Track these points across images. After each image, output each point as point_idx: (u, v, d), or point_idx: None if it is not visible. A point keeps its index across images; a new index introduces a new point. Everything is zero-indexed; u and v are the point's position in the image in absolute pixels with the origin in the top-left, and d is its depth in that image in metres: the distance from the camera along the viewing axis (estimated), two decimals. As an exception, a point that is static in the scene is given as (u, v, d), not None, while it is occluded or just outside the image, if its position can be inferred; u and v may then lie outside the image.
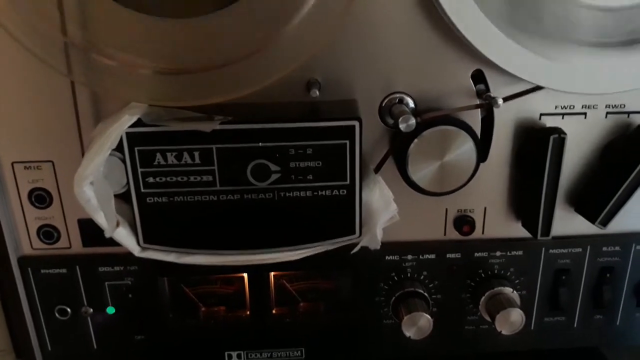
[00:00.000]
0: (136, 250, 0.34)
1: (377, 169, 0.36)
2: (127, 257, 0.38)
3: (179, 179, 0.32)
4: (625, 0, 0.32)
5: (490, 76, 0.35)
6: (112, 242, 0.37)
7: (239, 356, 0.42)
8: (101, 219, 0.32)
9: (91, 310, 0.40)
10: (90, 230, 0.38)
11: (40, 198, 0.37)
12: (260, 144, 0.32)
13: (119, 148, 0.32)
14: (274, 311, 0.41)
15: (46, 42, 0.32)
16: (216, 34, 0.32)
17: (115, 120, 0.32)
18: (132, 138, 0.31)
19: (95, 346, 0.42)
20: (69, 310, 0.40)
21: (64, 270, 0.39)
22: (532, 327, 0.43)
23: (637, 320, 0.43)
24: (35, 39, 0.32)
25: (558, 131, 0.35)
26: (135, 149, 0.31)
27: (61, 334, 0.41)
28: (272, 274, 0.39)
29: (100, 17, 0.33)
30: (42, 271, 0.39)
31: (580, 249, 0.41)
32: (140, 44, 0.33)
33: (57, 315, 0.40)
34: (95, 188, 0.31)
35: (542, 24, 0.32)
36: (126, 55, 0.33)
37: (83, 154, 0.35)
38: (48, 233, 0.39)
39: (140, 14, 0.33)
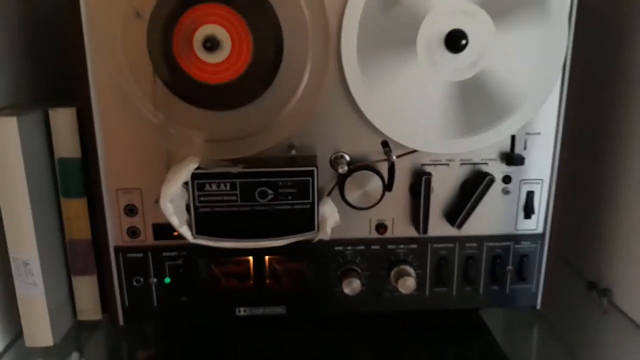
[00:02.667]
0: (191, 239, 0.59)
1: (328, 194, 0.61)
2: (180, 246, 0.61)
3: (217, 198, 0.58)
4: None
5: (392, 142, 0.61)
6: (171, 237, 0.61)
7: (245, 310, 0.65)
8: (175, 221, 0.57)
9: (155, 280, 0.63)
10: (159, 230, 0.62)
11: (130, 210, 0.61)
12: (262, 179, 0.58)
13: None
14: (267, 282, 0.64)
15: (148, 122, 0.58)
16: (242, 119, 0.57)
17: (183, 166, 0.57)
18: (194, 175, 0.57)
19: (155, 304, 0.64)
20: (142, 280, 0.63)
21: (140, 255, 0.62)
22: (427, 294, 0.65)
23: (493, 291, 0.66)
24: (139, 118, 0.58)
25: (428, 174, 0.60)
26: (195, 181, 0.57)
27: (135, 295, 0.63)
28: (266, 257, 0.63)
29: (174, 109, 0.59)
30: (128, 255, 0.62)
31: (452, 244, 0.64)
32: (197, 124, 0.58)
33: (134, 283, 0.63)
34: (174, 203, 0.57)
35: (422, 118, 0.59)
36: (189, 130, 0.59)
37: (158, 185, 0.59)
38: (133, 232, 0.62)
39: (197, 107, 0.58)
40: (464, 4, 0.55)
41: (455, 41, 0.55)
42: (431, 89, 0.57)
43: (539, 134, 0.62)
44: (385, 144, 0.60)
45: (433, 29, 0.55)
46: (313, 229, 0.59)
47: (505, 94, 0.58)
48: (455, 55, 0.56)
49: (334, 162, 0.61)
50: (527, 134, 0.62)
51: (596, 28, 0.67)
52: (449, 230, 0.64)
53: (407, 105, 0.58)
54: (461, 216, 0.62)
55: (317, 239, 0.60)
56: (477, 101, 0.58)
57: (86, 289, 0.65)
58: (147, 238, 0.63)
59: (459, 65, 0.56)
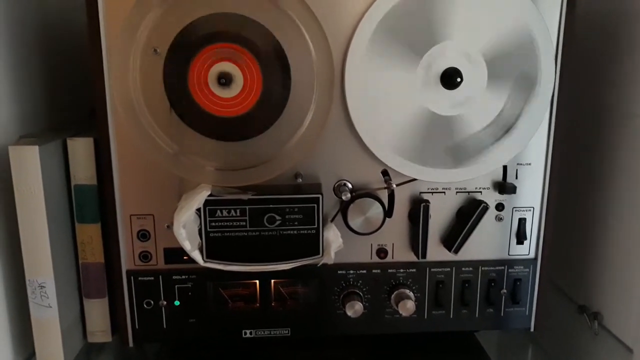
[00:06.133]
0: (202, 263, 0.62)
1: (332, 219, 0.65)
2: (190, 269, 0.64)
3: (227, 223, 0.61)
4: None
5: (391, 172, 0.65)
6: (181, 261, 0.64)
7: (251, 332, 0.67)
8: (187, 245, 0.60)
9: (165, 302, 0.65)
10: (170, 254, 0.64)
11: (143, 235, 0.64)
12: (271, 205, 0.61)
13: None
14: (272, 304, 0.66)
15: (163, 151, 0.61)
16: (251, 150, 0.60)
17: (196, 193, 0.60)
18: (206, 202, 0.60)
19: (164, 325, 0.66)
20: (152, 302, 0.65)
21: (151, 278, 0.64)
22: (425, 317, 0.68)
23: (488, 314, 0.69)
24: (154, 148, 0.62)
25: (426, 201, 0.64)
26: (207, 207, 0.60)
27: (145, 318, 0.65)
28: (272, 281, 0.66)
29: (187, 139, 0.62)
30: (139, 279, 0.65)
31: (449, 269, 0.67)
32: (209, 154, 0.62)
33: (144, 305, 0.65)
34: (186, 229, 0.60)
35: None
36: (201, 160, 0.62)
37: (171, 211, 0.62)
38: (145, 256, 0.64)
39: (210, 138, 0.61)
40: (472, 50, 0.59)
41: (451, 78, 0.59)
42: (412, 110, 0.61)
43: (529, 164, 0.66)
44: (385, 172, 0.64)
45: (439, 58, 0.59)
46: (318, 253, 0.62)
47: (469, 143, 0.62)
48: (446, 90, 0.60)
49: (338, 189, 0.64)
50: (519, 164, 0.66)
51: (584, 61, 0.72)
52: (446, 255, 0.67)
53: (405, 135, 0.61)
54: (457, 242, 0.65)
55: (321, 263, 0.63)
56: (443, 139, 0.62)
57: (97, 311, 0.67)
58: (158, 262, 0.65)
59: (445, 101, 0.60)
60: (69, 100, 0.78)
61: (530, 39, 0.60)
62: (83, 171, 0.64)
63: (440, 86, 0.59)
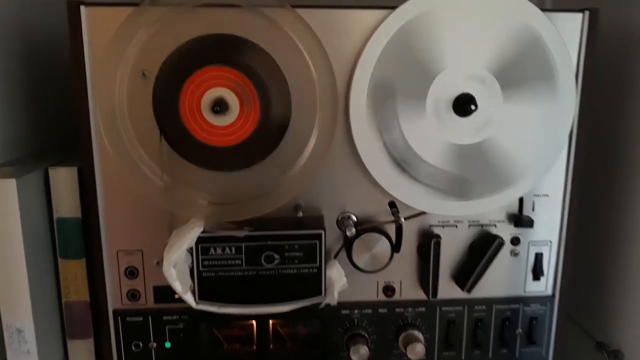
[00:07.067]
0: (194, 304, 0.57)
1: (335, 256, 0.60)
2: (182, 309, 0.60)
3: (221, 262, 0.56)
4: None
5: (399, 203, 0.61)
6: (172, 300, 0.59)
7: None
8: (178, 287, 0.55)
9: (155, 344, 0.60)
10: (160, 292, 0.60)
11: (131, 272, 0.59)
12: (269, 242, 0.56)
13: (187, 244, 0.56)
14: (271, 346, 0.61)
15: (152, 183, 0.57)
16: (248, 181, 0.56)
17: (187, 229, 0.56)
18: (198, 239, 0.55)
19: None
20: (141, 344, 0.60)
21: (140, 319, 0.60)
22: (435, 358, 0.65)
23: (502, 355, 0.65)
24: (143, 180, 0.57)
25: (437, 236, 0.59)
26: (199, 245, 0.55)
27: None
28: (270, 321, 0.61)
29: (179, 170, 0.57)
30: (127, 319, 0.60)
31: (461, 307, 0.63)
32: (202, 186, 0.57)
33: (132, 348, 0.60)
34: (177, 268, 0.55)
35: (418, 176, 0.57)
36: (194, 192, 0.58)
37: (160, 247, 0.57)
38: (133, 295, 0.60)
39: (203, 169, 0.57)
40: (477, 69, 0.55)
41: (463, 105, 0.54)
42: (431, 146, 0.56)
43: (546, 195, 0.62)
44: (392, 204, 0.59)
45: (444, 89, 0.55)
46: (320, 293, 0.57)
47: (508, 164, 0.57)
48: (462, 118, 0.55)
49: (341, 222, 0.60)
50: (535, 195, 0.61)
51: (603, 91, 0.68)
52: (457, 293, 0.63)
53: (431, 173, 0.57)
54: (471, 280, 0.60)
55: (324, 304, 0.58)
56: (479, 167, 0.57)
57: (82, 353, 0.63)
58: (147, 301, 0.61)
59: (465, 129, 0.56)
60: (52, 124, 0.74)
61: (533, 36, 0.55)
62: (66, 203, 0.59)
63: (457, 116, 0.55)
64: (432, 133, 0.55)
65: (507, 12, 0.54)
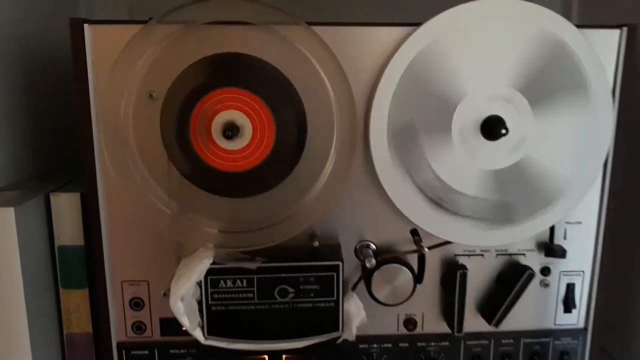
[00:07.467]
0: (202, 340, 0.53)
1: (353, 288, 0.56)
2: (189, 343, 0.56)
3: (232, 295, 0.53)
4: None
5: (422, 231, 0.57)
6: (180, 333, 0.56)
7: None
8: (186, 322, 0.52)
9: None
10: (167, 325, 0.57)
11: (137, 304, 0.56)
12: (282, 274, 0.53)
13: (195, 275, 0.53)
14: None
15: (159, 210, 0.53)
16: (261, 207, 0.52)
17: (196, 261, 0.52)
18: (208, 270, 0.52)
19: None
20: None
21: (146, 352, 0.57)
22: None
23: None
24: (149, 206, 0.54)
25: (463, 267, 0.56)
26: (208, 277, 0.52)
27: None
28: (284, 356, 0.58)
29: (187, 196, 0.54)
30: (132, 352, 0.57)
31: (487, 341, 0.59)
32: (212, 213, 0.53)
33: None
34: (184, 303, 0.51)
35: (459, 209, 0.54)
36: (203, 220, 0.54)
37: (167, 277, 0.54)
38: (139, 327, 0.57)
39: (213, 195, 0.54)
40: (500, 88, 0.51)
41: (493, 128, 0.51)
42: (467, 178, 0.52)
43: (579, 223, 0.58)
44: (414, 232, 0.56)
45: (468, 116, 0.51)
46: (337, 329, 0.54)
47: (547, 182, 0.53)
48: (493, 142, 0.51)
49: (359, 251, 0.56)
50: (568, 223, 0.57)
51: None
52: (483, 325, 0.59)
53: (466, 204, 0.53)
54: (499, 314, 0.56)
55: (341, 339, 0.55)
56: (516, 190, 0.53)
57: (84, 388, 0.59)
58: (153, 333, 0.57)
59: (498, 153, 0.52)
60: (54, 145, 0.70)
61: (557, 44, 0.51)
62: (68, 230, 0.56)
63: (487, 140, 0.51)
64: (464, 164, 0.52)
65: (525, 23, 0.51)
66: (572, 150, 0.53)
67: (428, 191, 0.53)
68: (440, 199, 0.53)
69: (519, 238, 0.55)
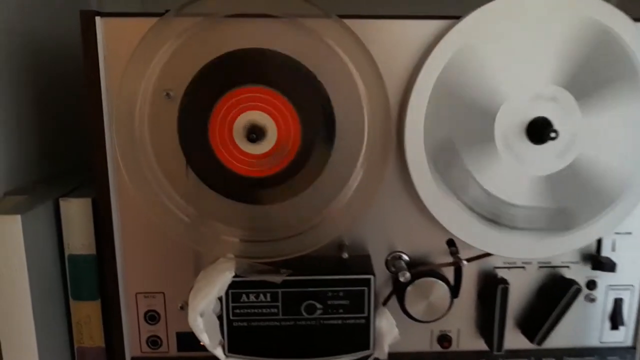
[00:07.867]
0: (223, 358, 0.50)
1: (384, 303, 0.53)
2: (207, 358, 0.52)
3: (255, 310, 0.49)
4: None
5: (459, 242, 0.53)
6: (198, 348, 0.52)
7: None
8: (205, 339, 0.48)
9: None
10: (184, 339, 0.54)
11: (152, 317, 0.53)
12: (310, 288, 0.49)
13: (215, 288, 0.49)
14: None
15: (176, 218, 0.50)
16: (285, 215, 0.49)
17: (216, 273, 0.48)
18: (229, 284, 0.48)
19: None
20: None
21: None
22: None
23: None
24: (166, 213, 0.50)
25: (504, 281, 0.52)
26: (230, 291, 0.48)
27: None
28: (309, 375, 0.55)
29: (207, 202, 0.50)
30: (146, 369, 0.55)
31: None
32: (234, 221, 0.50)
33: None
34: (204, 318, 0.48)
35: (515, 223, 0.49)
36: (223, 228, 0.51)
37: (184, 289, 0.51)
38: (154, 341, 0.54)
39: (235, 201, 0.50)
40: (542, 86, 0.47)
41: (539, 131, 0.46)
42: (517, 188, 0.48)
43: (629, 233, 0.53)
44: (451, 242, 0.51)
45: (511, 122, 0.47)
46: (367, 347, 0.50)
47: (606, 181, 0.49)
48: (540, 146, 0.47)
49: (391, 263, 0.52)
50: (617, 233, 0.53)
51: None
52: (522, 342, 0.55)
53: (520, 214, 0.49)
54: (542, 332, 0.52)
55: (372, 358, 0.51)
56: (572, 194, 0.48)
57: (95, 405, 0.56)
58: (169, 349, 0.54)
59: (547, 156, 0.48)
60: (65, 146, 0.67)
61: (601, 31, 0.46)
62: (79, 238, 0.52)
63: (534, 144, 0.47)
64: (513, 174, 0.48)
65: (563, 14, 0.46)
66: (629, 145, 0.49)
67: (478, 208, 0.48)
68: (494, 215, 0.48)
69: (580, 245, 0.51)
